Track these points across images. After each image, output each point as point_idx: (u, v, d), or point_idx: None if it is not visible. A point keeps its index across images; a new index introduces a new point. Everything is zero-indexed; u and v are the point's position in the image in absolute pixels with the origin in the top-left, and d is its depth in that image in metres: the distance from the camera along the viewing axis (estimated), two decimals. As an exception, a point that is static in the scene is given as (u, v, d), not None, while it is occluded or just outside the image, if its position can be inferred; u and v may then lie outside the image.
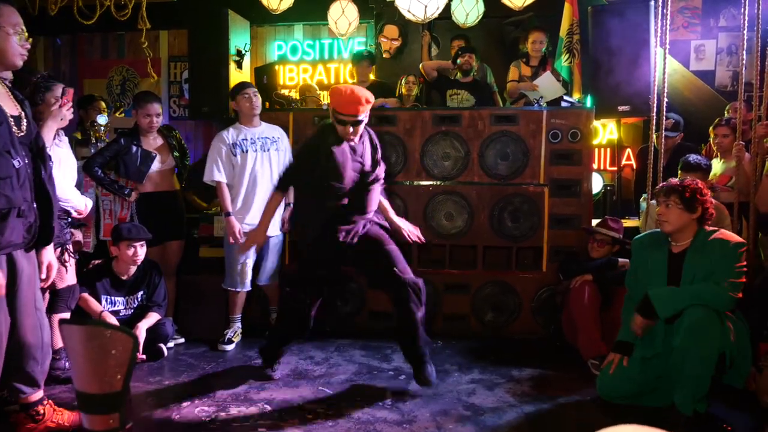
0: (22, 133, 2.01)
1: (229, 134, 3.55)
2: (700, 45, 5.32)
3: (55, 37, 6.35)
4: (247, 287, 3.62)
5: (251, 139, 3.56)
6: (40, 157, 2.11)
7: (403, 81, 4.69)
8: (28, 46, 2.04)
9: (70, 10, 4.24)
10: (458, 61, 4.53)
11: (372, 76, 4.99)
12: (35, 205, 2.05)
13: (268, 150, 3.58)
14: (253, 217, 3.49)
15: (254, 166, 3.53)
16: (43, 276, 2.22)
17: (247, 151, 3.52)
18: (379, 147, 2.96)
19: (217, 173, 3.49)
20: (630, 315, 2.65)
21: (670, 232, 2.61)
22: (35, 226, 2.06)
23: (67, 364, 2.86)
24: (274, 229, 3.55)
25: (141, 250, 3.26)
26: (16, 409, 2.31)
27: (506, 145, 3.79)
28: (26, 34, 2.01)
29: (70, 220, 2.92)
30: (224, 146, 3.52)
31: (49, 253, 2.24)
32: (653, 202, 3.03)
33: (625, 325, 2.73)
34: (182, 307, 3.80)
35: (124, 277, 3.32)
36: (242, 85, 3.65)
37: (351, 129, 2.72)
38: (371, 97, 2.74)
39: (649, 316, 2.55)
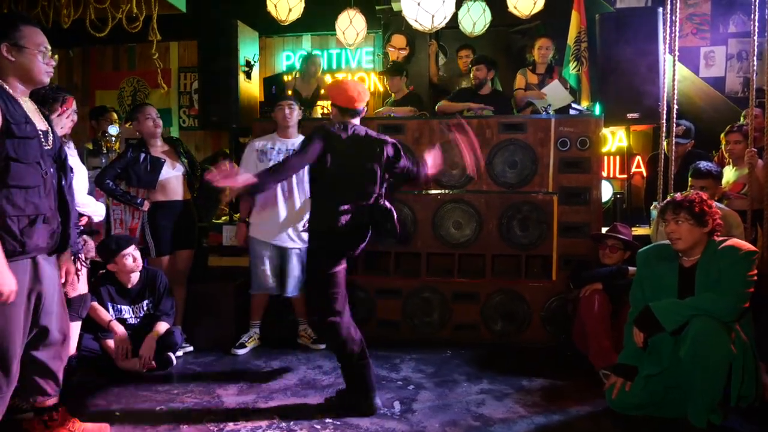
0: (49, 146, 2.16)
1: (260, 142, 3.64)
2: (709, 51, 5.29)
3: (68, 50, 6.46)
4: (265, 290, 3.63)
5: (278, 148, 3.61)
6: (62, 169, 2.24)
7: (411, 91, 4.70)
8: (53, 63, 2.15)
9: (82, 23, 4.30)
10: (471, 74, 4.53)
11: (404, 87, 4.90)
12: (57, 213, 2.19)
13: None
14: (271, 226, 3.54)
15: None
16: (62, 280, 2.33)
17: (271, 160, 3.57)
18: None
19: None
20: (633, 333, 2.60)
21: (683, 249, 2.56)
22: (57, 233, 2.19)
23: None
24: (296, 241, 3.57)
25: (137, 254, 3.29)
26: (29, 417, 2.34)
27: (514, 153, 3.78)
28: (50, 52, 2.13)
29: (82, 228, 2.95)
30: (252, 152, 3.61)
31: (68, 259, 2.36)
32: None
33: (628, 346, 2.67)
34: (191, 315, 3.81)
35: (129, 286, 3.34)
36: (280, 98, 3.76)
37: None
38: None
39: (647, 329, 2.51)
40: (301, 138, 3.68)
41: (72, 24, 4.32)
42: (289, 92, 4.64)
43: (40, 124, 2.15)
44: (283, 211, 3.57)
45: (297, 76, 4.70)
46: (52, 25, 4.36)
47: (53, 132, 2.22)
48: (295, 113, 3.64)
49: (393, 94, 4.78)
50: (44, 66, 2.11)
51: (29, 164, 2.03)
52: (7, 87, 2.06)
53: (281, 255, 3.62)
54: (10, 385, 2.09)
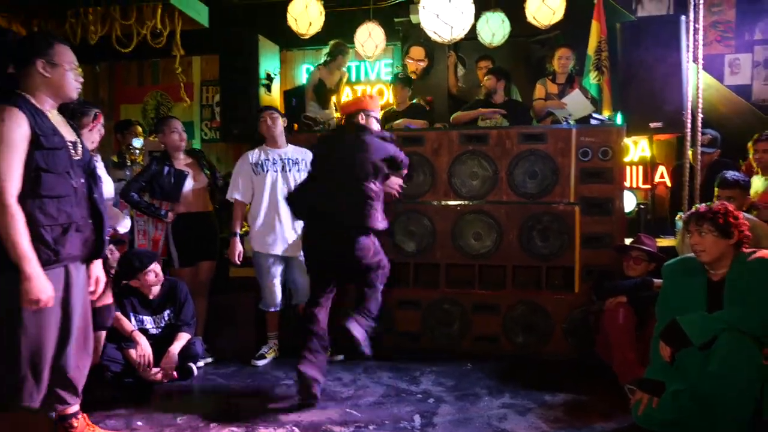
0: (78, 157, 2.23)
1: (253, 154, 3.64)
2: (734, 59, 5.20)
3: (95, 65, 6.63)
4: (278, 307, 3.65)
5: (273, 159, 3.62)
6: (92, 178, 2.32)
7: (414, 102, 4.71)
8: (81, 80, 2.25)
9: (108, 39, 4.41)
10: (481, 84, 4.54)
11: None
12: (90, 222, 2.25)
13: (290, 171, 3.62)
14: (274, 237, 3.55)
15: (273, 185, 3.58)
16: (91, 288, 2.37)
17: (267, 171, 3.59)
18: None
19: (234, 192, 3.60)
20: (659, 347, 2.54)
21: (708, 261, 2.49)
22: (90, 240, 2.25)
23: None
24: (299, 250, 3.58)
25: (158, 269, 3.33)
26: None
27: (535, 163, 3.75)
28: (80, 69, 2.24)
29: (107, 238, 3.00)
30: (246, 165, 3.61)
31: (98, 267, 2.41)
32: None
33: (654, 361, 2.59)
34: (212, 326, 3.83)
35: (151, 297, 3.37)
36: (261, 109, 3.78)
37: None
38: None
39: (674, 344, 2.44)
40: (292, 147, 3.70)
41: (99, 40, 4.43)
42: (314, 81, 4.66)
43: (69, 135, 2.23)
44: (285, 220, 3.57)
45: (323, 64, 4.72)
46: (79, 42, 4.49)
47: (82, 143, 2.29)
48: (278, 122, 3.65)
49: (396, 105, 4.76)
50: (74, 82, 2.20)
51: (59, 174, 2.11)
52: (35, 101, 2.14)
53: (286, 265, 3.64)
54: (41, 392, 2.13)
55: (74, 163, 2.19)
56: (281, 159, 3.63)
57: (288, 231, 3.58)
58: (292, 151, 3.71)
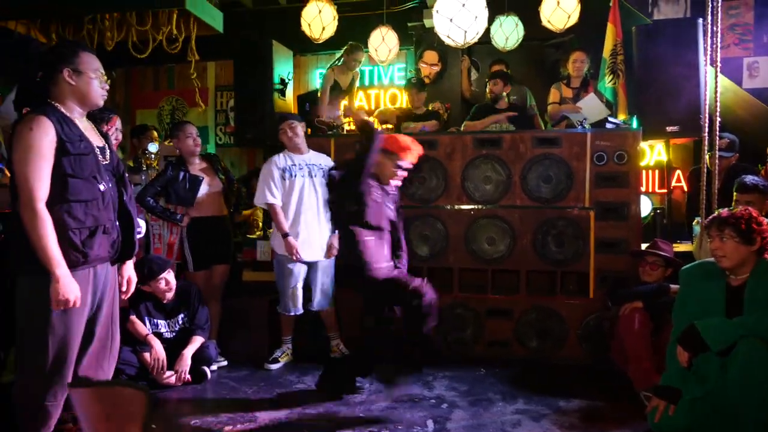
0: (106, 161, 2.29)
1: (279, 159, 3.67)
2: (753, 62, 5.13)
3: (111, 71, 6.72)
4: (299, 311, 3.66)
5: (299, 164, 3.65)
6: (121, 182, 2.37)
7: (430, 108, 4.70)
8: (107, 87, 2.30)
9: (125, 45, 4.47)
10: (486, 89, 4.53)
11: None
12: (117, 224, 2.31)
13: (315, 176, 3.66)
14: (302, 241, 3.57)
15: (302, 190, 3.61)
16: (124, 289, 2.44)
17: (295, 176, 3.62)
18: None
19: (270, 196, 3.60)
20: (676, 353, 2.49)
21: (729, 267, 2.46)
22: (118, 242, 2.30)
23: None
24: (322, 254, 3.60)
25: (170, 277, 3.35)
26: (69, 428, 2.38)
27: (549, 167, 3.72)
28: (105, 76, 2.28)
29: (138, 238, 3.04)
30: (276, 169, 3.62)
31: (130, 268, 2.45)
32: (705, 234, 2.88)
33: (671, 368, 2.55)
34: (225, 329, 3.85)
35: (165, 301, 3.40)
36: (281, 118, 3.78)
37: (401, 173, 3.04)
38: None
39: (692, 349, 2.40)
40: (313, 153, 3.73)
41: (115, 46, 4.49)
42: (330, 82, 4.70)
43: (97, 141, 2.28)
44: (312, 225, 3.60)
45: (338, 63, 4.74)
46: (96, 47, 4.56)
47: (110, 148, 2.34)
48: (298, 130, 3.66)
49: (414, 109, 4.76)
50: (100, 90, 2.25)
51: (86, 179, 2.15)
52: (63, 109, 2.19)
53: (309, 269, 3.66)
54: (65, 392, 2.17)
55: (102, 167, 2.23)
56: (307, 165, 3.66)
57: (314, 235, 3.61)
58: (314, 156, 3.74)
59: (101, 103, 2.28)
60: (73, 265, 2.11)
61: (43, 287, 2.05)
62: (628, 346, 3.09)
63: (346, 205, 2.97)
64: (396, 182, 3.09)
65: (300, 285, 3.64)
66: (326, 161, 3.76)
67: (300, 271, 3.63)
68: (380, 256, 2.97)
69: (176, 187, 3.60)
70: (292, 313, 3.65)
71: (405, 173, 3.09)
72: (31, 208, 2.03)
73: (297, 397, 3.09)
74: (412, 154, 3.05)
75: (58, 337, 2.13)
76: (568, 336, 3.68)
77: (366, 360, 3.12)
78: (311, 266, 3.65)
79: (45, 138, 2.07)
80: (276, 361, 3.61)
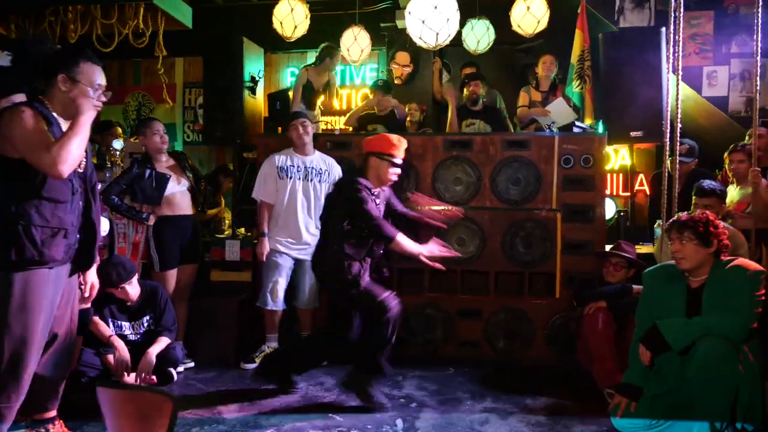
0: (81, 170, 2.27)
1: (279, 158, 3.66)
2: (712, 71, 5.32)
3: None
4: (279, 306, 3.62)
5: (297, 166, 3.64)
6: (92, 192, 2.37)
7: (406, 109, 4.73)
8: (104, 100, 2.24)
9: (89, 38, 4.35)
10: (464, 91, 4.57)
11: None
12: (78, 232, 2.30)
13: (311, 180, 3.65)
14: (291, 238, 3.59)
15: (293, 191, 3.61)
16: (86, 294, 2.43)
17: (291, 177, 3.61)
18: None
19: (262, 194, 3.62)
20: (638, 352, 2.57)
21: (688, 269, 2.55)
22: (73, 248, 2.27)
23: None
24: (308, 253, 3.58)
25: (132, 284, 3.21)
26: None
27: (518, 170, 3.78)
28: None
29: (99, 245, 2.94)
30: (273, 168, 3.62)
31: (93, 274, 2.46)
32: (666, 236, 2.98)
33: (633, 367, 2.63)
34: (193, 330, 3.78)
35: (129, 303, 3.31)
36: (293, 116, 3.77)
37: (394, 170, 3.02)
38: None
39: (654, 348, 2.48)
40: (318, 155, 3.71)
41: (78, 39, 4.36)
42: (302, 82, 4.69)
43: None
44: (303, 225, 3.61)
45: (315, 65, 4.73)
46: (58, 41, 4.41)
47: (87, 158, 2.33)
48: (309, 129, 3.67)
49: (375, 109, 4.78)
50: (89, 102, 2.17)
51: (63, 181, 2.14)
52: (52, 110, 2.18)
53: (297, 268, 3.65)
54: (20, 396, 2.12)
55: (76, 173, 2.23)
56: (305, 167, 3.65)
57: (305, 235, 3.62)
58: (317, 159, 3.72)
59: (92, 113, 2.20)
60: (28, 263, 2.08)
61: (0, 285, 2.01)
62: (593, 346, 3.17)
63: (336, 223, 2.94)
64: (393, 179, 3.07)
65: (282, 280, 3.61)
66: (331, 165, 3.75)
67: (286, 265, 3.61)
68: (363, 271, 2.98)
69: (142, 185, 3.51)
70: (270, 307, 3.60)
71: (399, 170, 3.07)
72: (53, 165, 2.01)
73: (265, 398, 3.05)
74: (401, 149, 3.04)
75: (14, 337, 2.07)
76: (535, 336, 3.74)
77: (305, 358, 3.16)
78: (299, 265, 3.64)
79: (39, 123, 2.07)
80: (252, 360, 3.56)
